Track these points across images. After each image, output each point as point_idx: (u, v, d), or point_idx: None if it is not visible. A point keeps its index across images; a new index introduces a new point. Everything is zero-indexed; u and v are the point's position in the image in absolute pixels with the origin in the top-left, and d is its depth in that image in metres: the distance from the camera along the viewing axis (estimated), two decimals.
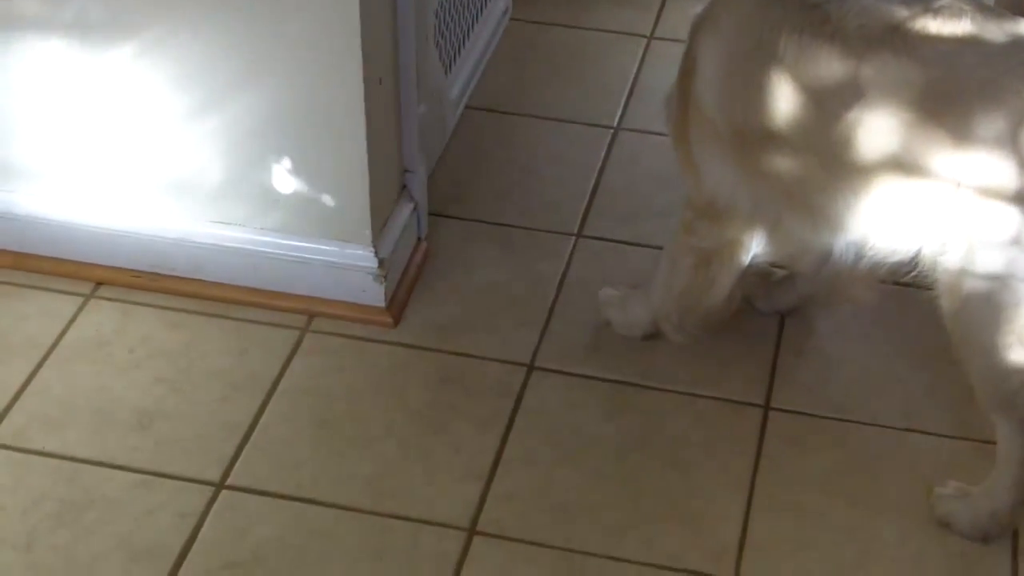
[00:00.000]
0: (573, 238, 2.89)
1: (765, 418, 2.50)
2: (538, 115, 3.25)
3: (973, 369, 2.17)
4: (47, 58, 2.53)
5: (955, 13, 2.06)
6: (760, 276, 2.64)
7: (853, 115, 2.10)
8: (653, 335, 2.60)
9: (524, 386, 2.54)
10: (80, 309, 2.66)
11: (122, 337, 2.60)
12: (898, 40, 2.06)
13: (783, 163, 2.23)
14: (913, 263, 2.19)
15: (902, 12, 2.08)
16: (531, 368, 2.58)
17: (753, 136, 2.24)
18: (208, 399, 2.50)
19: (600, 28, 3.49)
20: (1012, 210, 2.01)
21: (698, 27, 2.32)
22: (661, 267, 2.54)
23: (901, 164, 2.09)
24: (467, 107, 3.22)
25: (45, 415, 2.45)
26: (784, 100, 2.17)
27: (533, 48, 3.48)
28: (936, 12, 2.07)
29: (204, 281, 2.68)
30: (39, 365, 2.54)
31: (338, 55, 2.42)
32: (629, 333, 2.62)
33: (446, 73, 3.07)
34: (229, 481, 2.36)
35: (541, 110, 3.26)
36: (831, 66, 2.11)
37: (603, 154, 3.10)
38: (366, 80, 2.45)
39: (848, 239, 2.28)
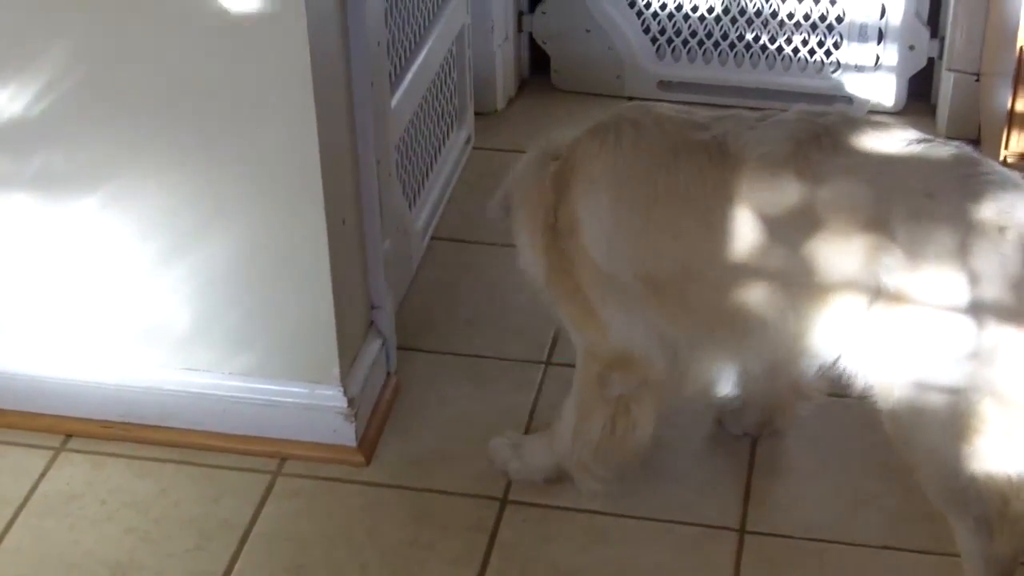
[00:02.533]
0: (543, 366, 2.89)
1: (741, 542, 2.49)
2: (503, 243, 3.23)
3: (921, 471, 2.18)
4: (11, 212, 2.54)
5: (853, 129, 2.09)
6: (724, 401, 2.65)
7: (779, 241, 2.11)
8: (555, 479, 2.56)
9: (498, 521, 2.53)
10: (50, 463, 2.65)
11: (93, 489, 2.59)
12: (807, 161, 2.07)
13: (708, 297, 2.22)
14: (845, 373, 2.19)
15: (800, 134, 2.09)
16: (504, 502, 2.57)
17: (668, 280, 2.23)
18: (181, 549, 2.48)
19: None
20: (958, 322, 2.02)
21: (566, 183, 2.27)
22: (566, 419, 2.47)
23: (834, 284, 2.10)
24: (433, 238, 3.24)
25: (17, 574, 2.43)
26: (700, 238, 2.16)
27: (497, 176, 3.47)
28: (831, 130, 2.09)
29: (174, 428, 2.68)
30: (10, 523, 2.52)
31: (300, 198, 2.44)
32: (530, 479, 2.57)
33: (410, 206, 3.09)
34: None
35: (506, 237, 3.24)
36: (745, 197, 2.11)
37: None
38: (329, 221, 2.47)
39: (781, 358, 2.29)
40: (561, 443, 2.51)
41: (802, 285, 2.12)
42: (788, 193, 2.09)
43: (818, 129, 2.10)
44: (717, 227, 2.14)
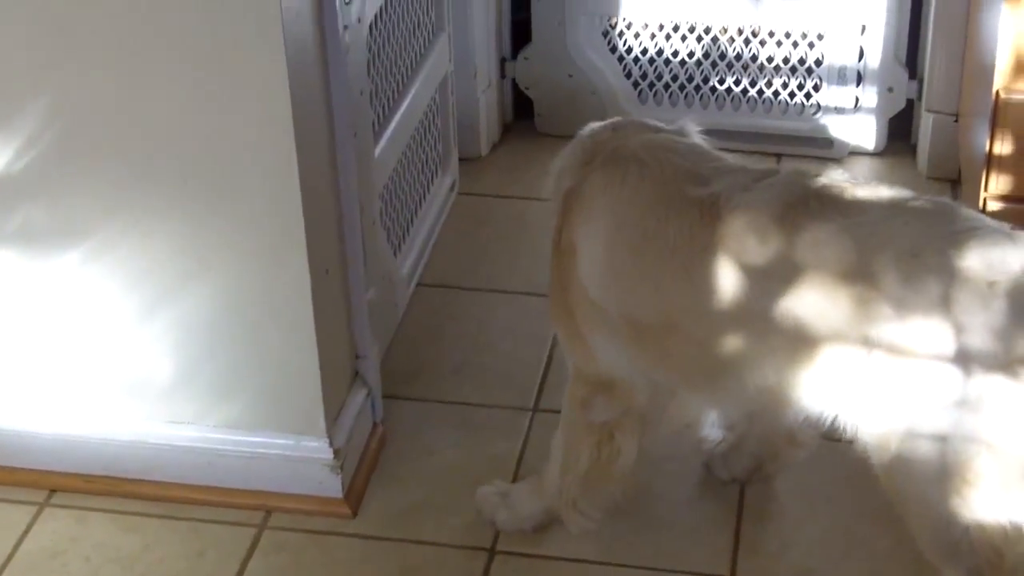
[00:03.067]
0: (530, 413, 2.88)
1: None
2: (489, 288, 3.27)
3: (913, 522, 2.18)
4: None
5: (840, 191, 2.11)
6: (712, 444, 2.64)
7: (765, 296, 2.11)
8: (543, 526, 2.56)
9: (487, 572, 2.51)
10: (35, 518, 2.62)
11: (77, 545, 2.57)
12: (794, 224, 2.09)
13: (687, 350, 2.23)
14: (836, 422, 2.19)
15: (789, 196, 2.11)
16: (492, 552, 2.55)
17: (649, 327, 2.25)
18: None
19: (547, 197, 3.52)
20: (947, 372, 2.02)
21: (572, 207, 2.31)
22: (555, 453, 2.48)
23: (817, 344, 2.10)
24: (418, 284, 3.24)
25: None
26: (682, 293, 2.18)
27: (482, 221, 3.51)
28: (820, 193, 2.11)
29: (158, 482, 2.66)
30: None
31: (284, 249, 2.44)
32: (519, 527, 2.56)
33: (395, 254, 3.09)
34: None
35: (492, 283, 3.28)
36: (730, 257, 2.13)
37: None
38: (313, 272, 2.46)
39: (764, 409, 2.29)
40: (550, 482, 2.50)
41: (784, 344, 2.13)
42: (773, 255, 2.10)
43: (807, 192, 2.12)
44: (700, 284, 2.15)
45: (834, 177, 2.16)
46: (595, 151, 2.33)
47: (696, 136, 2.36)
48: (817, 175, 2.17)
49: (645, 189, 2.23)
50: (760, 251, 2.11)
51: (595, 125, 2.42)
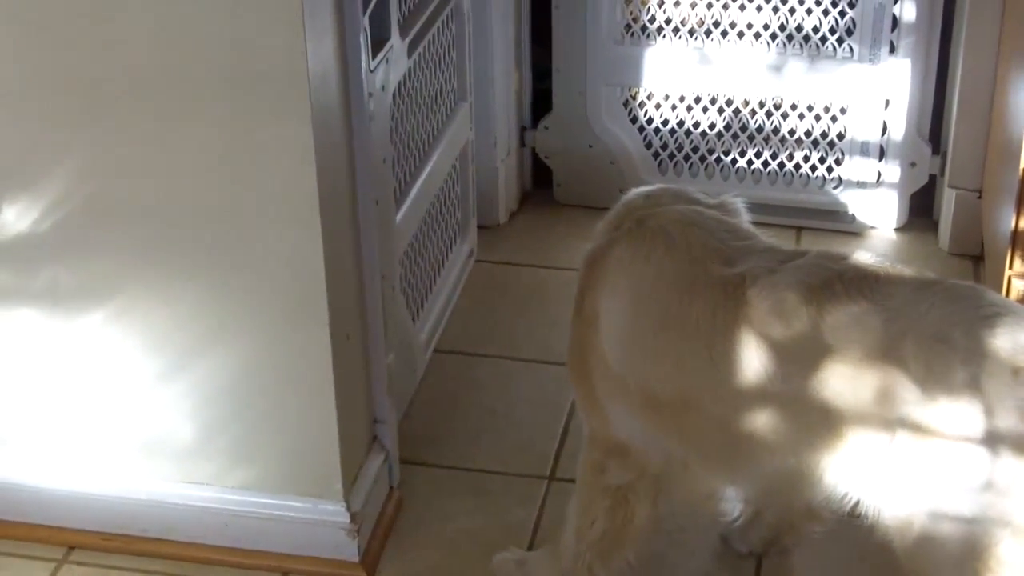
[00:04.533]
0: (546, 481, 2.88)
1: None
2: (507, 356, 3.28)
3: None
4: (17, 326, 2.55)
5: (865, 275, 2.12)
6: (730, 517, 2.64)
7: (787, 378, 2.12)
8: None
9: None
10: (53, 575, 2.63)
11: None
12: (818, 308, 2.09)
13: (705, 427, 2.23)
14: (857, 503, 2.18)
15: (814, 279, 2.12)
16: None
17: (668, 402, 2.25)
18: None
19: (565, 267, 3.54)
20: (972, 455, 2.02)
21: (594, 275, 2.31)
22: (570, 518, 2.48)
23: (839, 428, 2.10)
24: (435, 351, 3.25)
25: None
26: (702, 372, 2.18)
27: (499, 289, 3.53)
28: (844, 277, 2.12)
29: (175, 541, 2.67)
30: None
31: (305, 314, 2.45)
32: None
33: (414, 320, 3.10)
34: None
35: (509, 351, 3.29)
36: (752, 340, 2.13)
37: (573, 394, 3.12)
38: (333, 337, 2.48)
39: (781, 489, 2.29)
40: (566, 547, 2.50)
41: (806, 427, 2.13)
42: (797, 337, 2.11)
43: (832, 276, 2.12)
44: (721, 365, 2.16)
45: (861, 259, 2.16)
46: (625, 216, 2.34)
47: (741, 212, 2.37)
48: (843, 257, 2.18)
49: (670, 266, 2.24)
50: (784, 334, 2.12)
51: (637, 190, 2.42)
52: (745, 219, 2.37)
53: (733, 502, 2.63)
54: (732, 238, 2.26)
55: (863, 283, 2.11)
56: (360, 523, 2.63)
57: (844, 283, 2.11)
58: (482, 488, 2.86)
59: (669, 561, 2.63)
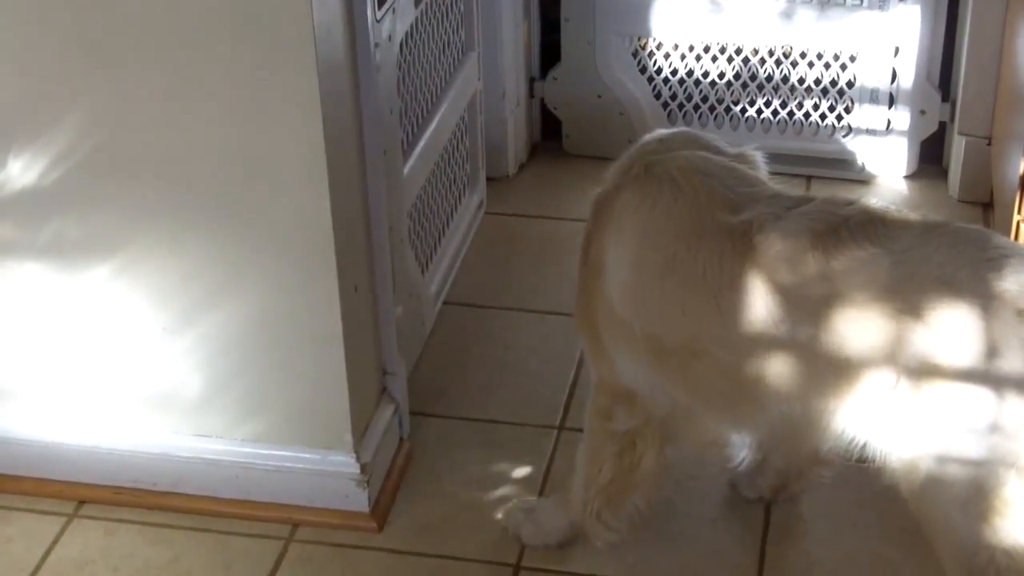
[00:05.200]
0: (555, 431, 2.89)
1: None
2: (516, 307, 3.28)
3: (940, 547, 2.17)
4: (25, 281, 2.56)
5: (872, 220, 2.11)
6: (737, 463, 2.64)
7: (794, 324, 2.11)
8: (568, 541, 2.57)
9: None
10: (64, 529, 2.64)
11: (106, 556, 2.59)
12: (824, 254, 2.09)
13: (710, 374, 2.23)
14: (864, 447, 2.18)
15: (820, 225, 2.11)
16: (517, 568, 2.56)
17: (673, 349, 2.25)
18: None
19: (575, 218, 3.54)
20: (978, 398, 2.01)
21: (601, 220, 2.31)
22: (579, 465, 2.49)
23: (845, 374, 2.10)
24: (445, 303, 3.25)
25: None
26: (709, 319, 2.18)
27: (509, 240, 3.52)
28: (851, 222, 2.11)
29: (186, 495, 2.68)
30: None
31: (313, 265, 2.45)
32: (544, 543, 2.58)
33: (423, 272, 3.10)
34: None
35: (519, 302, 3.29)
36: (759, 287, 2.13)
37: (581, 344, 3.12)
38: (342, 288, 2.48)
39: (787, 435, 2.29)
40: (575, 494, 2.51)
41: (813, 373, 2.13)
42: (803, 285, 2.10)
43: (838, 221, 2.12)
44: (727, 312, 2.16)
45: (867, 205, 2.16)
46: (636, 160, 2.32)
47: (759, 163, 2.36)
48: (849, 203, 2.17)
49: (677, 213, 2.23)
50: (790, 280, 2.11)
51: (654, 133, 2.42)
52: (763, 170, 2.36)
53: (740, 448, 2.64)
54: (739, 185, 2.25)
55: (869, 228, 2.10)
56: (370, 474, 2.63)
57: (850, 228, 2.10)
58: (492, 439, 2.87)
59: (678, 508, 2.64)
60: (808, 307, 2.11)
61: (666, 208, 2.24)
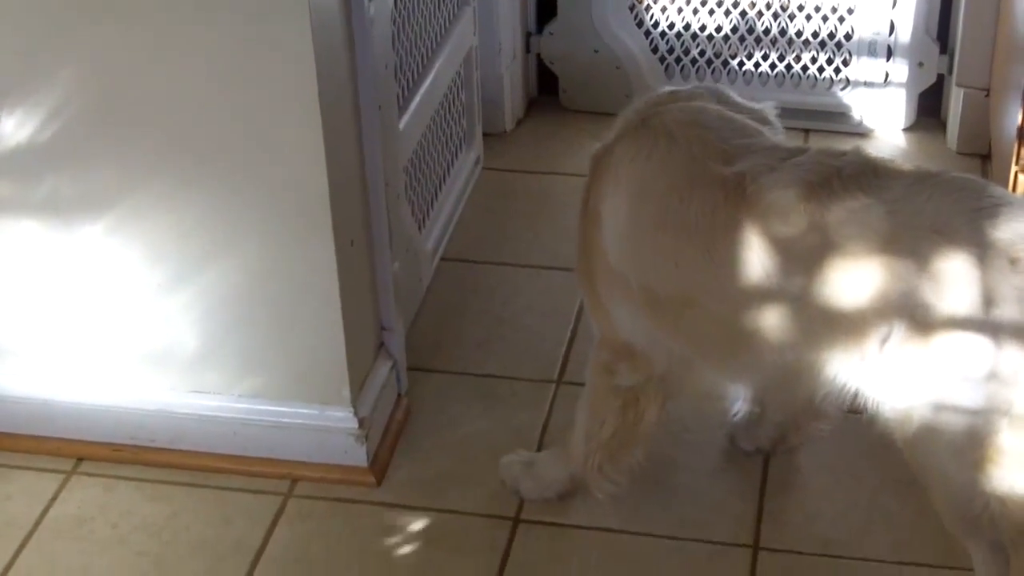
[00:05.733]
0: (554, 385, 2.89)
1: (755, 559, 2.48)
2: (513, 263, 3.27)
3: (935, 495, 2.18)
4: (21, 237, 2.55)
5: (865, 170, 2.10)
6: (735, 415, 2.65)
7: (786, 274, 2.11)
8: (567, 494, 2.58)
9: (511, 540, 2.52)
10: (62, 486, 2.65)
11: (104, 512, 2.59)
12: (817, 205, 2.08)
13: (704, 325, 2.23)
14: (859, 397, 2.19)
15: (813, 176, 2.10)
16: (516, 521, 2.56)
17: (667, 299, 2.25)
18: (193, 572, 2.48)
19: (572, 173, 3.53)
20: (971, 345, 2.01)
21: (598, 173, 2.31)
22: (580, 418, 2.49)
23: (834, 325, 2.10)
24: (442, 259, 3.24)
25: None
26: (701, 270, 2.18)
27: (506, 196, 3.52)
28: (844, 173, 2.10)
29: (184, 451, 2.68)
30: (21, 546, 2.52)
31: (309, 221, 2.44)
32: (543, 496, 2.58)
33: (420, 228, 3.09)
34: None
35: (517, 258, 3.29)
36: (751, 238, 2.12)
37: (580, 299, 3.11)
38: (338, 243, 2.47)
39: (781, 386, 2.29)
40: (575, 447, 2.51)
41: (806, 324, 2.13)
42: (796, 236, 2.10)
43: (831, 172, 2.11)
44: (720, 262, 2.15)
45: (861, 154, 2.15)
46: (638, 113, 2.33)
47: (773, 121, 2.36)
48: (843, 154, 2.16)
49: (671, 165, 2.23)
50: (783, 231, 2.11)
51: (670, 88, 2.43)
52: (778, 127, 2.36)
53: (737, 401, 2.64)
54: (736, 136, 2.24)
55: (862, 178, 2.10)
56: (368, 429, 2.64)
57: (843, 179, 2.10)
58: (490, 393, 2.87)
59: (677, 461, 2.64)
60: (800, 258, 2.10)
61: (661, 160, 2.24)
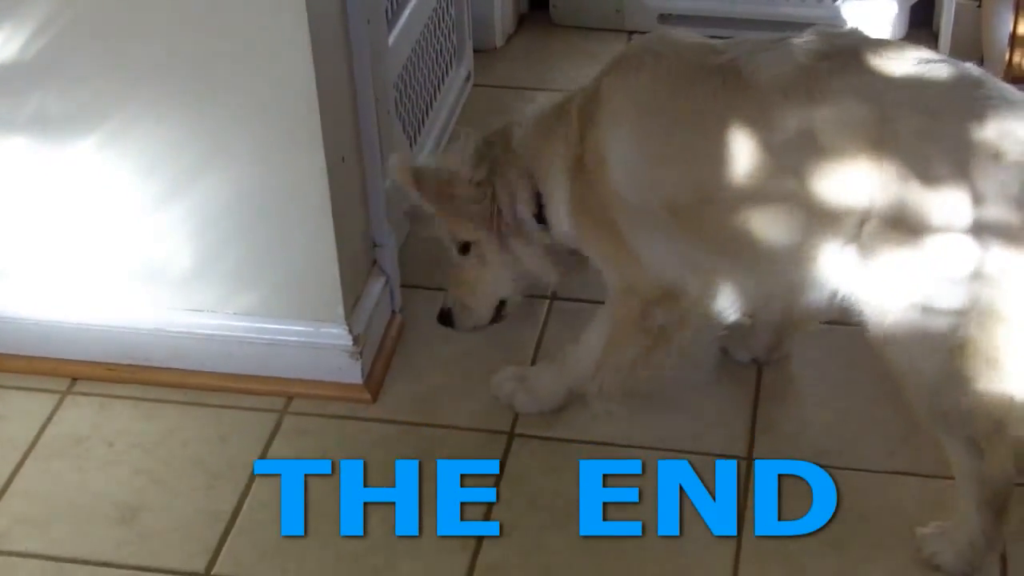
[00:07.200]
0: (547, 301, 2.89)
1: (749, 469, 2.49)
2: None
3: (908, 390, 2.20)
4: (9, 155, 2.53)
5: (863, 49, 2.10)
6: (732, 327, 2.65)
7: (783, 162, 2.12)
8: (561, 407, 2.59)
9: (506, 454, 2.54)
10: (57, 406, 2.65)
11: (100, 431, 2.60)
12: (815, 82, 2.09)
13: (721, 219, 2.23)
14: (849, 300, 2.20)
15: (810, 55, 2.11)
16: (511, 435, 2.57)
17: (686, 205, 2.25)
18: (190, 488, 2.49)
19: (562, 88, 3.48)
20: (956, 242, 2.02)
21: (592, 121, 2.30)
22: (591, 346, 2.49)
23: (833, 205, 2.11)
24: None
25: (27, 516, 2.44)
26: (712, 160, 2.18)
27: (497, 112, 3.46)
28: (842, 51, 2.10)
29: (180, 370, 2.68)
30: (19, 465, 2.53)
31: (299, 136, 2.43)
32: (539, 410, 2.59)
33: (411, 144, 3.08)
34: (215, 571, 2.34)
35: None
36: (753, 119, 2.13)
37: None
38: (328, 159, 2.46)
39: (790, 281, 2.29)
40: (580, 366, 2.52)
41: (803, 206, 2.14)
42: (793, 114, 2.10)
43: (829, 50, 2.12)
44: (726, 149, 2.16)
45: (858, 35, 2.15)
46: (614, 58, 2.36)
47: None
48: (841, 34, 2.17)
49: (664, 72, 2.23)
50: (779, 111, 2.10)
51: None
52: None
53: (731, 312, 2.63)
54: (716, 46, 2.25)
55: (861, 57, 2.09)
56: (363, 346, 2.64)
57: (841, 57, 2.10)
58: None
59: (674, 375, 2.64)
60: (791, 140, 2.11)
61: (651, 72, 2.25)
